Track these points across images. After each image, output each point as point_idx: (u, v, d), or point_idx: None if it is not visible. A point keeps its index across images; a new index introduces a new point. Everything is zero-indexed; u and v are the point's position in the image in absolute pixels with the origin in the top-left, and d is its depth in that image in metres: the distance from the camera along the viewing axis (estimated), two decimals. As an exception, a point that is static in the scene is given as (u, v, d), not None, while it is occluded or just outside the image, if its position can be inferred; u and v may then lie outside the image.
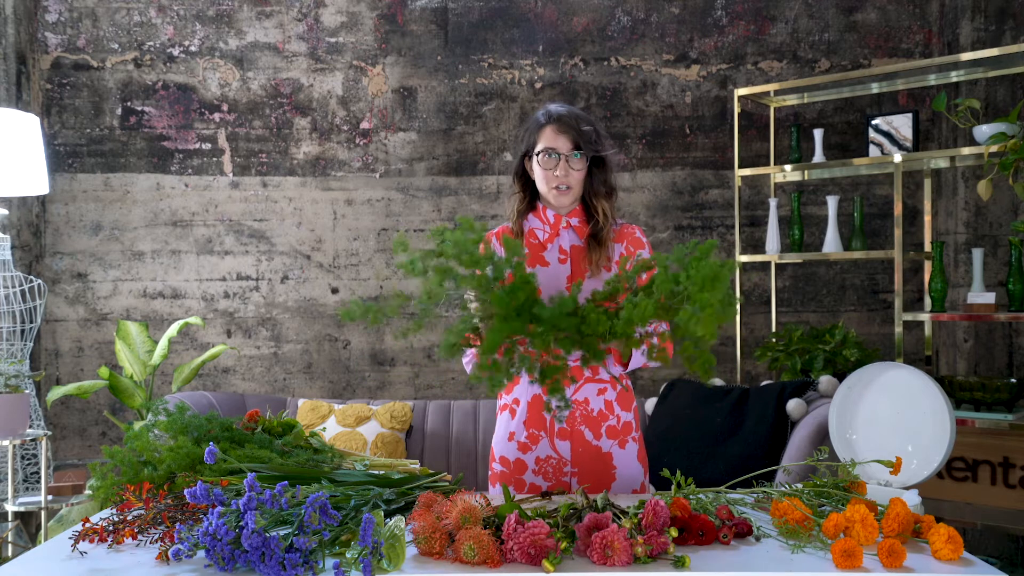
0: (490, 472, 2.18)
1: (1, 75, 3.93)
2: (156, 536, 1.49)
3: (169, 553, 1.38)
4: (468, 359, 2.08)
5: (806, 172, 3.99)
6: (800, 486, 1.74)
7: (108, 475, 1.74)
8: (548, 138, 2.08)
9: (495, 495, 2.11)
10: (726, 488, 1.79)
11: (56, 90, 4.21)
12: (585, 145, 2.08)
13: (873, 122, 3.81)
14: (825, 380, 3.18)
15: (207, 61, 4.26)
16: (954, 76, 3.74)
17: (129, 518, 1.54)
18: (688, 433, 3.22)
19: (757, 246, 4.21)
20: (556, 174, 2.08)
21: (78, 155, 4.22)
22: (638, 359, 2.04)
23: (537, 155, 2.09)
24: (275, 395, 4.07)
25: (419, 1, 4.29)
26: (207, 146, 4.26)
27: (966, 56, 3.44)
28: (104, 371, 3.59)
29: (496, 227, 2.23)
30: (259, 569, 1.32)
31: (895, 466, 1.68)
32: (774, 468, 2.44)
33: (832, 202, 3.77)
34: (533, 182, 2.16)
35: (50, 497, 3.30)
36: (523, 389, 2.11)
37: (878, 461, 1.76)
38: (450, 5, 4.30)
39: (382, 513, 1.50)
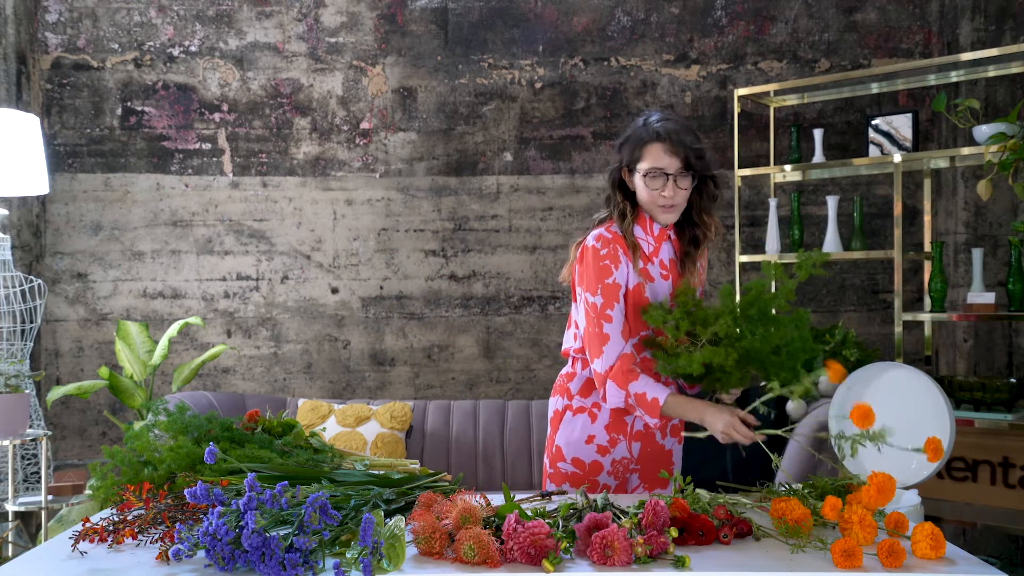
0: (551, 471, 2.15)
1: (1, 75, 3.93)
2: (156, 536, 1.49)
3: (169, 553, 1.38)
4: (616, 395, 2.03)
5: (806, 172, 3.99)
6: (799, 486, 1.74)
7: (108, 475, 1.74)
8: (655, 156, 1.99)
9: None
10: (727, 493, 1.79)
11: (56, 90, 4.21)
12: (695, 163, 2.00)
13: (873, 122, 3.80)
14: (825, 380, 3.17)
15: (207, 61, 4.26)
16: (954, 76, 3.74)
17: (129, 518, 1.54)
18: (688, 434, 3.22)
19: (757, 246, 4.21)
20: (664, 194, 2.00)
21: (78, 155, 4.22)
22: None
23: (644, 174, 2.01)
24: (275, 395, 4.08)
25: (419, 1, 4.29)
26: (207, 146, 4.26)
27: (966, 56, 3.43)
28: (104, 371, 3.59)
29: (590, 230, 2.10)
30: (259, 569, 1.32)
31: (933, 451, 1.71)
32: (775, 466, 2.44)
33: (832, 202, 3.77)
34: (632, 190, 2.08)
35: (50, 497, 3.30)
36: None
37: (916, 449, 1.81)
38: (450, 5, 4.30)
39: (382, 513, 1.50)
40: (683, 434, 2.20)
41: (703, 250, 2.14)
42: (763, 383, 1.95)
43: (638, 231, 2.09)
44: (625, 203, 2.08)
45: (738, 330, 1.85)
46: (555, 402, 2.18)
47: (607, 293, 2.02)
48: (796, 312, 1.90)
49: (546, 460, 2.18)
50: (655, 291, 2.06)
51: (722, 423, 1.92)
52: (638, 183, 2.04)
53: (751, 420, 1.91)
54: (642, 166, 2.02)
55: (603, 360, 2.01)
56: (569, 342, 2.17)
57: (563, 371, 2.20)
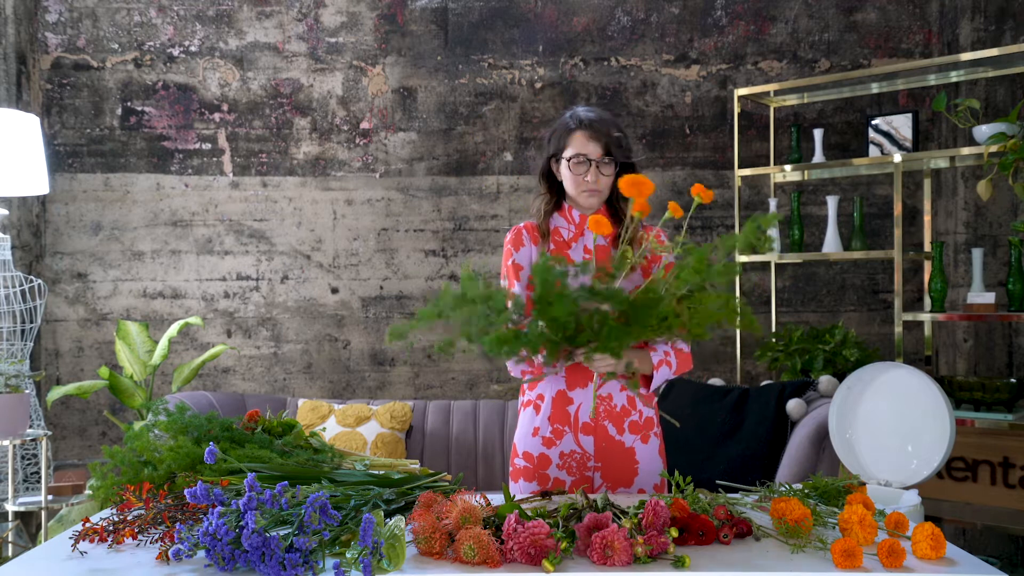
0: (511, 468, 2.19)
1: (1, 75, 3.93)
2: (156, 536, 1.49)
3: (169, 553, 1.38)
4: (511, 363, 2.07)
5: (806, 172, 3.99)
6: (800, 486, 1.74)
7: (108, 475, 1.74)
8: (579, 143, 2.10)
9: (520, 489, 2.12)
10: (727, 493, 1.78)
11: (56, 90, 4.21)
12: (615, 151, 2.10)
13: (873, 122, 3.80)
14: (825, 380, 3.18)
15: (207, 61, 4.26)
16: (954, 76, 3.74)
17: (129, 518, 1.54)
18: (688, 433, 3.22)
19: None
20: (587, 179, 2.10)
21: (78, 155, 4.22)
22: (660, 378, 2.08)
23: (568, 160, 2.12)
24: (275, 395, 4.07)
25: (419, 1, 4.29)
26: (207, 146, 4.26)
27: (966, 56, 3.44)
28: (104, 371, 3.59)
29: (508, 224, 2.24)
30: (259, 569, 1.32)
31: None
32: (773, 468, 2.44)
33: (832, 202, 3.77)
34: (558, 182, 2.19)
35: (50, 497, 3.30)
36: (547, 385, 2.12)
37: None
38: (450, 5, 4.30)
39: (382, 513, 1.50)
40: (655, 432, 2.16)
41: (634, 238, 2.09)
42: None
43: (559, 220, 2.20)
44: (547, 194, 2.21)
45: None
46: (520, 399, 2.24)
47: (508, 273, 2.17)
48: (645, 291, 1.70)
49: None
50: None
51: None
52: (564, 171, 2.15)
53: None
54: (567, 153, 2.13)
55: None
56: None
57: None
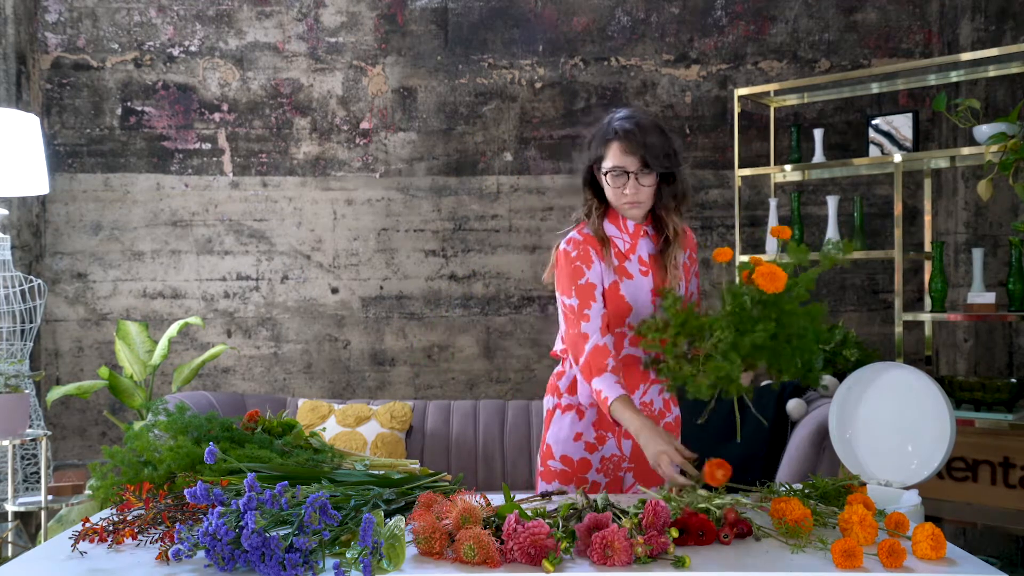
0: (542, 469, 2.16)
1: (1, 75, 3.93)
2: (156, 536, 1.49)
3: (169, 553, 1.38)
4: (584, 390, 2.10)
5: (806, 172, 3.98)
6: (800, 486, 1.74)
7: (108, 475, 1.74)
8: (615, 155, 2.02)
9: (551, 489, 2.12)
10: (727, 493, 1.78)
11: (56, 90, 4.21)
12: (652, 161, 2.00)
13: (873, 122, 3.80)
14: (825, 380, 3.18)
15: (207, 61, 4.26)
16: (954, 76, 3.74)
17: (129, 518, 1.54)
18: (688, 433, 3.21)
19: (757, 246, 4.21)
20: (626, 192, 2.02)
21: (78, 155, 4.22)
22: None
23: (605, 173, 2.04)
24: (275, 395, 4.07)
25: (419, 1, 4.29)
26: (207, 146, 4.26)
27: (966, 56, 3.43)
28: (104, 371, 3.59)
29: (552, 232, 2.18)
30: (259, 569, 1.32)
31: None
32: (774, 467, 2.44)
33: (832, 202, 3.77)
34: (601, 187, 2.10)
35: (50, 497, 3.30)
36: (589, 392, 2.09)
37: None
38: (450, 5, 4.30)
39: (382, 513, 1.50)
40: (678, 435, 2.20)
41: (676, 249, 2.11)
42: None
43: (611, 228, 2.10)
44: (593, 200, 2.12)
45: (738, 330, 1.80)
46: (547, 401, 2.22)
47: (582, 294, 2.04)
48: (811, 306, 1.85)
49: (538, 458, 2.21)
50: (634, 288, 2.07)
51: (653, 451, 1.86)
52: (603, 181, 2.07)
53: (687, 454, 1.85)
54: (605, 164, 2.05)
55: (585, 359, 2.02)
56: (557, 343, 2.19)
57: (555, 370, 2.22)
